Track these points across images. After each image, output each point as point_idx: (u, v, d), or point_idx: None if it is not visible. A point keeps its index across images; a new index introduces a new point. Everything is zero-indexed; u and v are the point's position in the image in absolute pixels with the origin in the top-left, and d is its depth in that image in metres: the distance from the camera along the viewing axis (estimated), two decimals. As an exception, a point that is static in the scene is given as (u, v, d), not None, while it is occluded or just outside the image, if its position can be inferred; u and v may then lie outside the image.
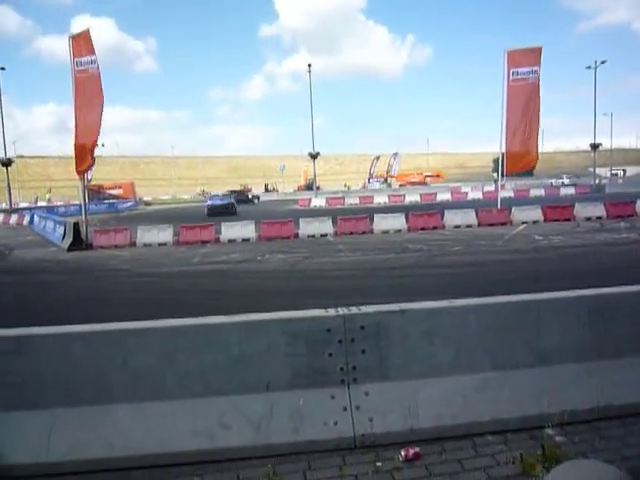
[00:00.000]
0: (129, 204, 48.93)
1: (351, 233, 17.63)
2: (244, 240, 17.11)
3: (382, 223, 18.39)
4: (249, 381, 3.27)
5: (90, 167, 17.68)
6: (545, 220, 18.54)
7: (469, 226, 18.26)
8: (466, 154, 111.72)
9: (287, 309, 3.87)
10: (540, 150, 20.20)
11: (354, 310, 3.41)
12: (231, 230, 17.68)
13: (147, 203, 54.24)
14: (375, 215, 18.84)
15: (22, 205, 47.27)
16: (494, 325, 3.48)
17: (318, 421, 3.20)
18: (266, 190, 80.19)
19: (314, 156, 46.52)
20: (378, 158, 77.59)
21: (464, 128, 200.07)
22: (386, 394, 3.30)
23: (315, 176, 49.32)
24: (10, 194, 41.40)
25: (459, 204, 27.59)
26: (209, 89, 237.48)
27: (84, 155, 16.59)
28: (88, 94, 16.29)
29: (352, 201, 39.13)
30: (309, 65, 45.48)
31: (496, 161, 28.44)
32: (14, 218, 31.09)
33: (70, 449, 3.04)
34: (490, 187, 45.10)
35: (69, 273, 12.13)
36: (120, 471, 2.96)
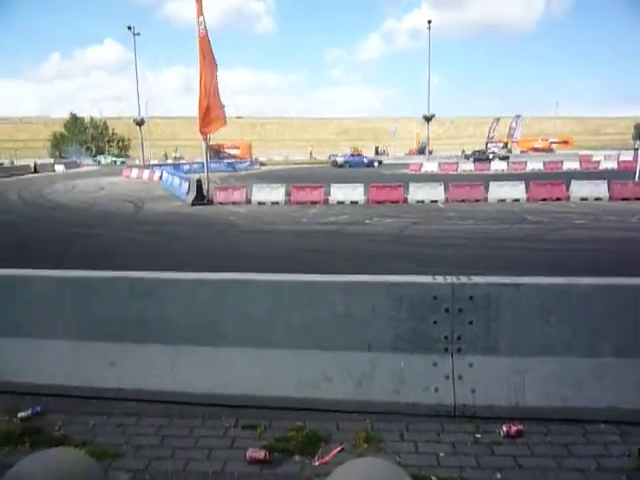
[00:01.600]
0: (246, 164, 51.32)
1: (463, 200, 16.91)
2: (352, 203, 17.23)
3: (498, 191, 17.34)
4: (352, 339, 3.37)
5: (213, 128, 18.53)
6: (694, 196, 16.22)
7: (598, 199, 16.56)
8: (600, 119, 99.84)
9: (392, 273, 3.87)
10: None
11: (463, 279, 3.32)
12: (340, 192, 17.86)
13: (262, 163, 56.44)
14: (491, 182, 17.82)
15: (152, 162, 51.76)
16: (621, 308, 3.18)
17: (419, 385, 3.22)
18: (376, 153, 79.14)
19: (428, 119, 44.80)
20: (498, 120, 72.44)
21: (602, 90, 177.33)
22: (491, 367, 3.21)
23: (428, 139, 47.61)
24: (143, 151, 45.57)
25: (589, 174, 25.00)
26: (325, 50, 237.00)
27: (207, 115, 17.60)
28: (205, 55, 17.15)
29: (467, 167, 37.26)
30: (429, 21, 43.25)
31: (638, 127, 25.12)
32: (146, 173, 34.21)
33: (190, 382, 3.40)
34: (627, 157, 40.19)
35: (192, 226, 13.20)
36: (234, 408, 3.26)
